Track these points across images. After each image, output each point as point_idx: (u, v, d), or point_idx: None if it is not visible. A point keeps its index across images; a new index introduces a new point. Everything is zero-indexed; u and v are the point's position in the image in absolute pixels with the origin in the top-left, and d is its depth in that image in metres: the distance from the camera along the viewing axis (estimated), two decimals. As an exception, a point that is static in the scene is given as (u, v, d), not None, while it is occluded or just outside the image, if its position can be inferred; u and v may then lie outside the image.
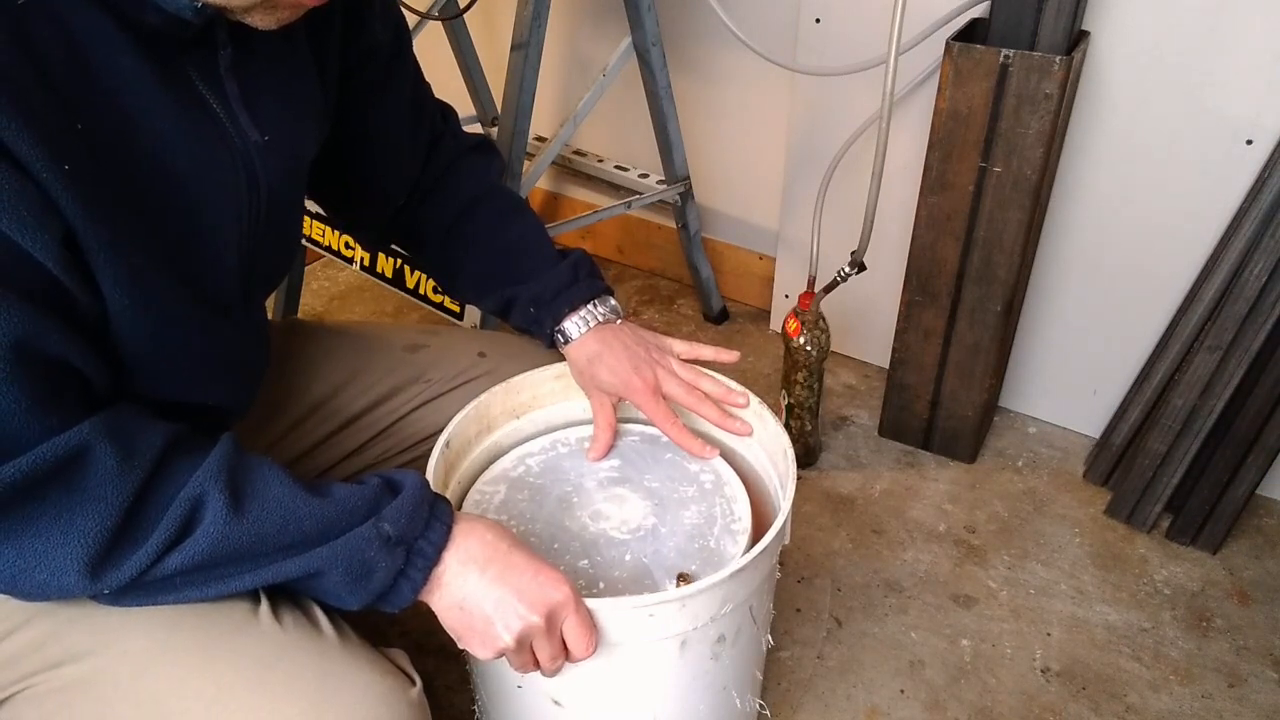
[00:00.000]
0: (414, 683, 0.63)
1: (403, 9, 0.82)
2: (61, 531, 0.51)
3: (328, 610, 0.64)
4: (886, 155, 1.12)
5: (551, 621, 0.63)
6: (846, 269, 1.24)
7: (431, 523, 0.61)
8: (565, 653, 0.65)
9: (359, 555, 0.58)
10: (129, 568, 0.53)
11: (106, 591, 0.53)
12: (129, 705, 0.57)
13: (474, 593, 0.61)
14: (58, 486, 0.51)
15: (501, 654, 0.63)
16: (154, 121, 0.55)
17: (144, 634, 0.59)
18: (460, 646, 0.64)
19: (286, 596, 0.63)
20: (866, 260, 1.23)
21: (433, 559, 0.61)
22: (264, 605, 0.61)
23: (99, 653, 0.58)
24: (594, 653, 0.65)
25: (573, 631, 0.64)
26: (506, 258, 0.85)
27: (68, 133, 0.50)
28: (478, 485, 0.85)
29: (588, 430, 0.90)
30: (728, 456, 0.88)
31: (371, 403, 0.87)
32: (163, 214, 0.57)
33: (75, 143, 0.50)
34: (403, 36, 0.80)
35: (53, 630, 0.59)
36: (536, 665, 0.65)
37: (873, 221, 1.17)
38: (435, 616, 0.63)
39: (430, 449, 0.79)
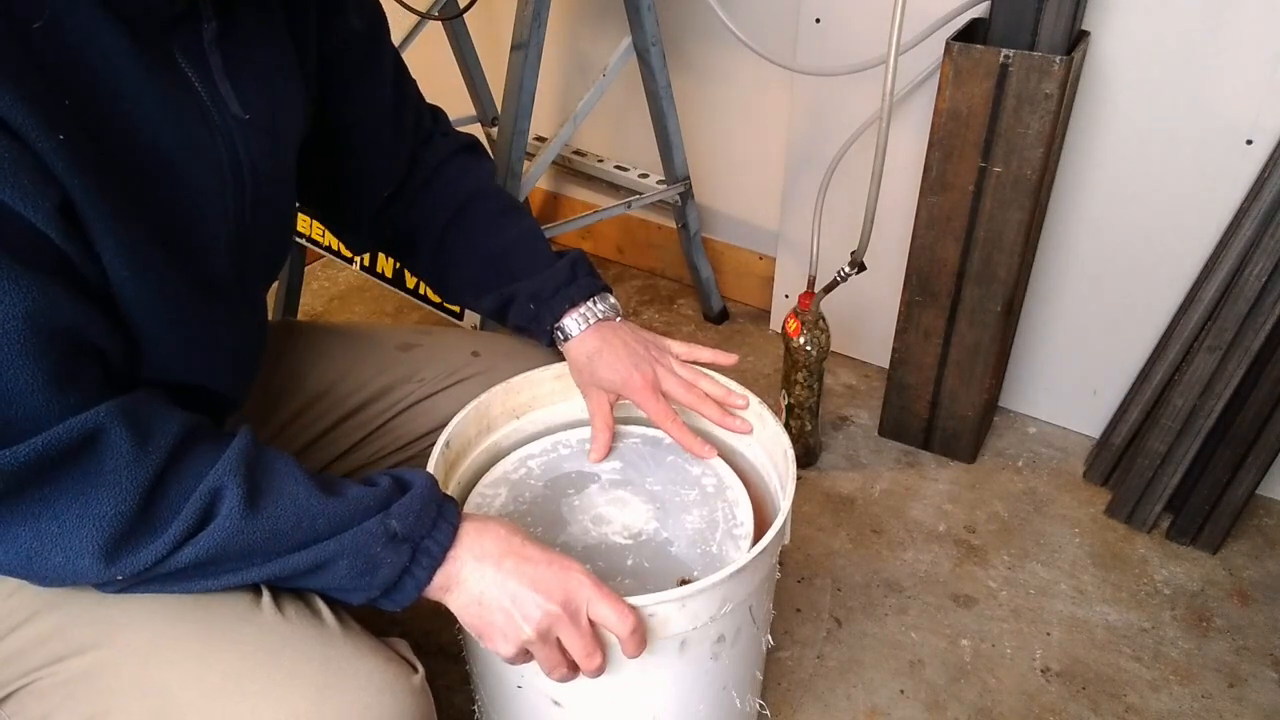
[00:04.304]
0: (416, 670, 0.63)
1: (402, 8, 0.82)
2: (78, 515, 0.51)
3: (329, 601, 0.64)
4: (886, 155, 1.12)
5: (573, 611, 0.62)
6: (846, 269, 1.24)
7: (438, 522, 0.62)
8: (599, 651, 0.64)
9: (365, 550, 0.58)
10: (145, 555, 0.53)
11: (120, 578, 0.54)
12: (134, 697, 0.57)
13: (490, 587, 0.62)
14: (72, 468, 0.51)
15: (525, 650, 0.63)
16: (138, 101, 0.55)
17: (147, 626, 0.59)
18: (484, 647, 0.64)
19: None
20: (866, 260, 1.23)
21: (438, 558, 0.61)
22: (266, 596, 0.62)
23: (103, 646, 0.58)
24: (637, 630, 0.63)
25: (603, 610, 0.62)
26: (505, 256, 0.85)
27: (58, 109, 0.50)
28: (479, 488, 0.85)
29: (589, 431, 0.90)
30: (727, 456, 0.88)
31: (364, 400, 0.87)
32: (152, 190, 0.57)
33: (65, 118, 0.50)
34: (378, 24, 0.81)
35: (56, 625, 0.59)
36: (570, 667, 0.64)
37: (873, 221, 1.17)
38: (436, 618, 0.63)
39: (424, 447, 0.79)
